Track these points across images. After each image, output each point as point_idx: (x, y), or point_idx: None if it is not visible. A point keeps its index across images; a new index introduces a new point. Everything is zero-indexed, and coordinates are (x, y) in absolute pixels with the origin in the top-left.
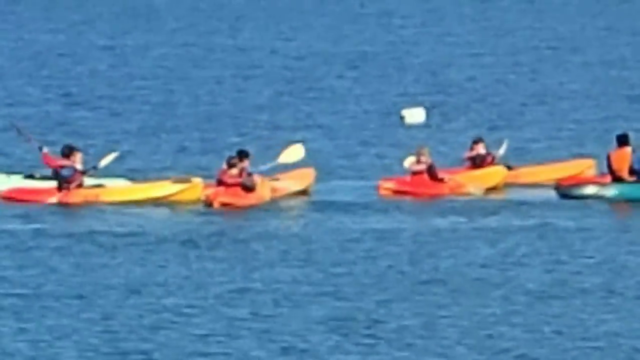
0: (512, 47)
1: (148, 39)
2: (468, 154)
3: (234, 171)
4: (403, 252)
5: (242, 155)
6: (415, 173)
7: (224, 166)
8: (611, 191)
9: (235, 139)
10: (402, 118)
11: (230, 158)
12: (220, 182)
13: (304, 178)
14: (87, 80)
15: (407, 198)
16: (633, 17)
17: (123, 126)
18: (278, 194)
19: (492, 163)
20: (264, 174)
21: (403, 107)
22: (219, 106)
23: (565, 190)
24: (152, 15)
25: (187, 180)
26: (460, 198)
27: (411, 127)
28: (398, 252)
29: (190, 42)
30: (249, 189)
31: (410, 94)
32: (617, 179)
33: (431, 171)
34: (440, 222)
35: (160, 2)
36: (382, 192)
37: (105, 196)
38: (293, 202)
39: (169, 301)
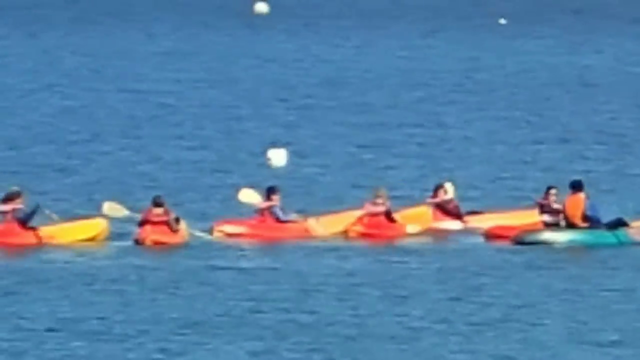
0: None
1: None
2: (431, 200)
3: (160, 210)
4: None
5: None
6: (372, 215)
7: (151, 205)
8: (564, 237)
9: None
10: (268, 159)
11: (156, 197)
12: (146, 221)
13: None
14: None
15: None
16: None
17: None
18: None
19: (456, 208)
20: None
21: (269, 148)
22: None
23: (519, 237)
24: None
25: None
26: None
27: (276, 168)
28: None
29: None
30: (173, 229)
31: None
32: (570, 225)
33: (388, 213)
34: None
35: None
36: (351, 234)
37: (60, 236)
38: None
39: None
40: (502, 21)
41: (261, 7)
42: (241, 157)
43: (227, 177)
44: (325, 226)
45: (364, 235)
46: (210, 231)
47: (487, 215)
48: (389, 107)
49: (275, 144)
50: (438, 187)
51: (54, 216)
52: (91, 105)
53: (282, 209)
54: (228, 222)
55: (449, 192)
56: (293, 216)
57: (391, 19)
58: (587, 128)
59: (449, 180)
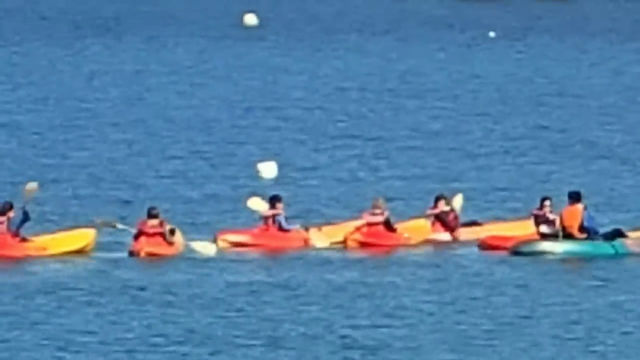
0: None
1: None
2: (431, 211)
3: (155, 221)
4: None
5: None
6: (371, 224)
7: (145, 217)
8: (562, 248)
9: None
10: (257, 172)
11: (151, 209)
12: (140, 233)
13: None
14: None
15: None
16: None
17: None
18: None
19: (455, 220)
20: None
21: (258, 161)
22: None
23: (516, 248)
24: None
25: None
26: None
27: (266, 180)
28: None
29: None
30: (169, 240)
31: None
32: (567, 236)
33: (387, 222)
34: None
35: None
36: (350, 243)
37: (53, 248)
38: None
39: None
40: (492, 34)
41: (250, 19)
42: (231, 169)
43: (216, 189)
44: (328, 236)
45: (363, 244)
46: (214, 240)
47: (486, 227)
48: (381, 118)
49: (265, 156)
50: (438, 198)
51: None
52: (82, 117)
53: (286, 217)
54: (231, 231)
55: (456, 203)
56: (296, 227)
57: (380, 32)
58: (581, 139)
59: (460, 192)
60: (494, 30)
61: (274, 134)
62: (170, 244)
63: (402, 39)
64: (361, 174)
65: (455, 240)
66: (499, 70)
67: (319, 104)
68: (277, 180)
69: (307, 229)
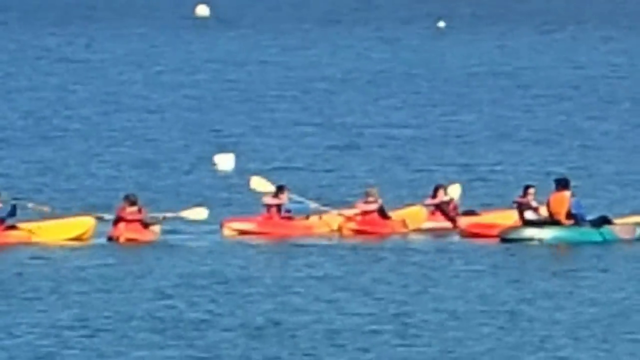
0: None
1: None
2: (430, 201)
3: (134, 208)
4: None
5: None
6: (365, 213)
7: (124, 203)
8: (550, 234)
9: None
10: (214, 164)
11: (130, 195)
12: (119, 219)
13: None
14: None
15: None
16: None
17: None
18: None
19: (455, 210)
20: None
21: (215, 153)
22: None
23: (504, 234)
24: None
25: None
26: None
27: (222, 172)
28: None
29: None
30: (147, 226)
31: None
32: (555, 223)
33: (381, 210)
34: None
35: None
36: (345, 232)
37: (41, 234)
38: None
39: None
40: (441, 24)
41: (202, 10)
42: (188, 161)
43: (172, 181)
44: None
45: (358, 232)
46: (220, 228)
47: (483, 216)
48: (336, 108)
49: (222, 148)
50: (438, 188)
51: (41, 207)
52: (42, 109)
53: (290, 198)
54: (237, 219)
55: (454, 192)
56: (312, 206)
57: (331, 22)
58: (550, 128)
59: (456, 182)
60: (442, 20)
61: (229, 125)
62: (151, 231)
63: (354, 29)
64: (322, 165)
65: (455, 228)
66: (450, 60)
67: (270, 93)
68: (234, 173)
69: (307, 217)
